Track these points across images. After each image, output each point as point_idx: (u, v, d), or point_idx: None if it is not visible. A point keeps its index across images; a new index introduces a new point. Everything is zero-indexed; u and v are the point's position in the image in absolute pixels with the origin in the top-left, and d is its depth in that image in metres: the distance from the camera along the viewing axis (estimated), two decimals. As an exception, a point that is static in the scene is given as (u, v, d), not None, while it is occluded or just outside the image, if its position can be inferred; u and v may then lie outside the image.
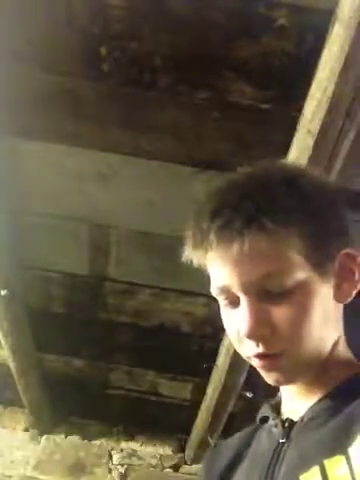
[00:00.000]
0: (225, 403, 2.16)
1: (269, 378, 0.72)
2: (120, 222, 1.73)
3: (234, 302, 0.71)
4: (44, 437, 2.71)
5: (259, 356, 0.70)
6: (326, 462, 0.63)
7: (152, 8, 1.22)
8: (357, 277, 0.73)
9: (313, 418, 0.70)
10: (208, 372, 2.13)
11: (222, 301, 0.74)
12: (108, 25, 1.25)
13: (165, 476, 2.66)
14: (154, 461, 2.69)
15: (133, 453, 2.70)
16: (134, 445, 2.72)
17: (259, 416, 0.83)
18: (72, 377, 2.49)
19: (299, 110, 1.25)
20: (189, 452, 2.63)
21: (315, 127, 1.16)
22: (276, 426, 0.75)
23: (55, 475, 2.58)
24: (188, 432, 2.56)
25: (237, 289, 0.70)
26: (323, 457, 0.63)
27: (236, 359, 1.85)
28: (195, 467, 2.63)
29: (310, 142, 1.18)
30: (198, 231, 0.71)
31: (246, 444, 0.83)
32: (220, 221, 0.69)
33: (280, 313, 0.69)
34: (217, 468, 0.84)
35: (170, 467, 2.67)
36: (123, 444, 2.73)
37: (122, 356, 2.33)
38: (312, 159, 1.19)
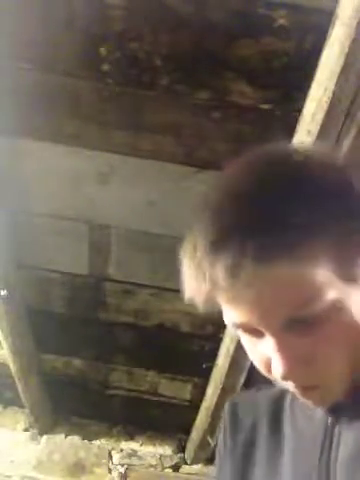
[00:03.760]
0: (225, 403, 2.15)
1: (306, 401, 0.67)
2: (120, 222, 1.73)
3: (256, 333, 0.61)
4: (44, 437, 2.70)
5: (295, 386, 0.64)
6: None
7: (152, 8, 1.22)
8: None
9: None
10: (208, 372, 2.13)
11: (240, 333, 0.64)
12: (108, 25, 1.25)
13: (165, 476, 2.65)
14: (154, 461, 2.68)
15: (133, 453, 2.69)
16: (134, 445, 2.72)
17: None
18: (72, 377, 2.48)
19: (299, 110, 1.25)
20: (189, 452, 2.63)
21: (315, 127, 1.16)
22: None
23: (55, 475, 2.57)
24: (188, 432, 2.56)
25: (259, 326, 0.59)
26: None
27: (236, 359, 1.85)
28: (195, 467, 2.63)
29: (310, 142, 1.18)
30: (197, 266, 0.58)
31: (276, 411, 0.78)
32: (228, 259, 0.54)
33: (313, 344, 0.59)
34: (244, 427, 0.83)
35: (170, 467, 2.66)
36: (123, 444, 2.72)
37: (122, 356, 2.33)
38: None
